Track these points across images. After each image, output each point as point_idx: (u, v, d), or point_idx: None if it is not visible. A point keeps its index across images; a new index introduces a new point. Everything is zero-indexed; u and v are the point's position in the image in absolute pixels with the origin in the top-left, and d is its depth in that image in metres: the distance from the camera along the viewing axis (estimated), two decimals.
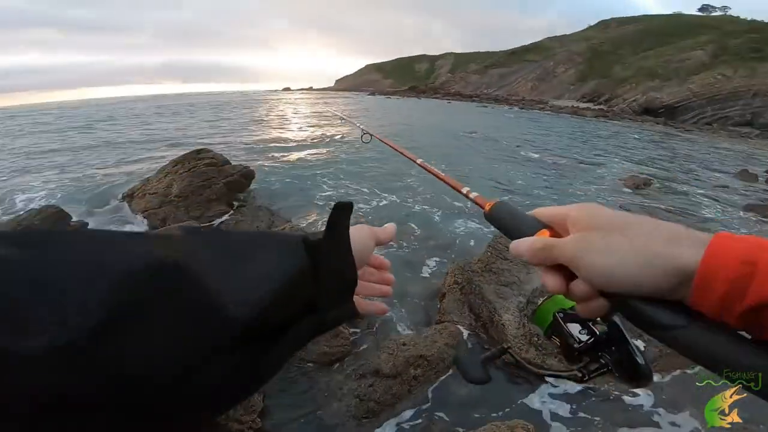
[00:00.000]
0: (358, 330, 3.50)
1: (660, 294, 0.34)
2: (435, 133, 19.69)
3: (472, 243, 5.54)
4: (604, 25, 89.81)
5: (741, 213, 8.04)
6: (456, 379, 2.96)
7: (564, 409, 2.76)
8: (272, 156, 11.67)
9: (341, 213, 0.44)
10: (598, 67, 68.13)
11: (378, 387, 2.70)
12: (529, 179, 10.27)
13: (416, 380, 2.82)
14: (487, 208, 0.53)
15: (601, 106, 54.60)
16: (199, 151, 7.44)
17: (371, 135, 1.56)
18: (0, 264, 0.25)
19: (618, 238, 0.36)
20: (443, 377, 2.95)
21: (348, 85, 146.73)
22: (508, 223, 0.49)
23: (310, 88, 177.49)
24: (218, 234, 0.50)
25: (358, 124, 1.82)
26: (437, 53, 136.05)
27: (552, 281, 0.41)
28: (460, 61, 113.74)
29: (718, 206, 8.56)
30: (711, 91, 48.40)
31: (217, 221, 6.06)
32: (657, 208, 7.92)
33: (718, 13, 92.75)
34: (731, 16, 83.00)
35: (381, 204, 7.48)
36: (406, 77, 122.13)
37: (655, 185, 10.00)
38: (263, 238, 0.42)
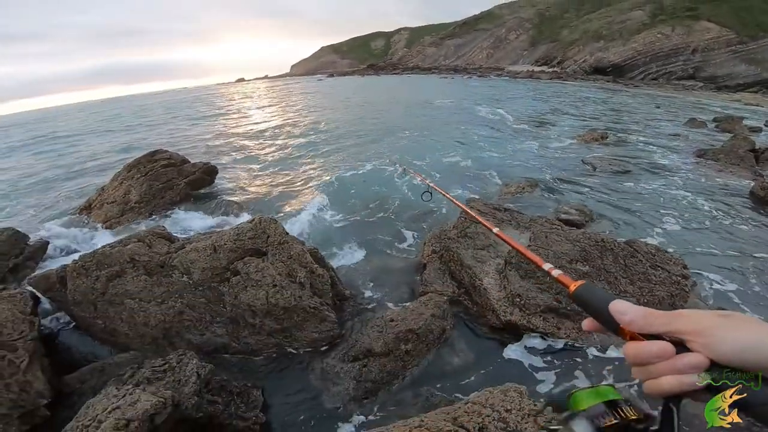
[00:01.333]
0: (345, 312, 3.49)
1: None
2: (409, 107, 19.47)
3: (444, 210, 5.60)
4: None
5: (693, 158, 8.51)
6: (448, 349, 3.00)
7: (548, 365, 2.85)
8: (233, 148, 11.27)
9: None
10: (547, 32, 69.27)
11: (372, 366, 2.71)
12: (503, 140, 10.62)
13: (409, 355, 2.83)
14: (572, 288, 0.57)
15: (555, 69, 56.00)
16: (153, 153, 7.06)
17: (431, 192, 1.45)
18: None
19: (759, 323, 0.44)
20: (435, 349, 2.97)
21: (305, 69, 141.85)
22: (599, 309, 0.53)
23: (265, 77, 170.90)
24: None
25: (413, 174, 1.65)
26: (392, 29, 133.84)
27: (660, 346, 0.46)
28: (415, 35, 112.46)
29: (671, 153, 9.02)
30: (653, 49, 50.88)
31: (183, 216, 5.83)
32: (616, 158, 8.28)
33: None
34: None
35: (349, 174, 7.53)
36: (364, 55, 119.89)
37: (612, 138, 10.43)
38: None
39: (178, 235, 4.40)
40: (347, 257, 4.51)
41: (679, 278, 3.18)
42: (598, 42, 57.35)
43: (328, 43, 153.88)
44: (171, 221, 5.75)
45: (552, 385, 2.69)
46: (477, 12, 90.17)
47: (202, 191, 6.90)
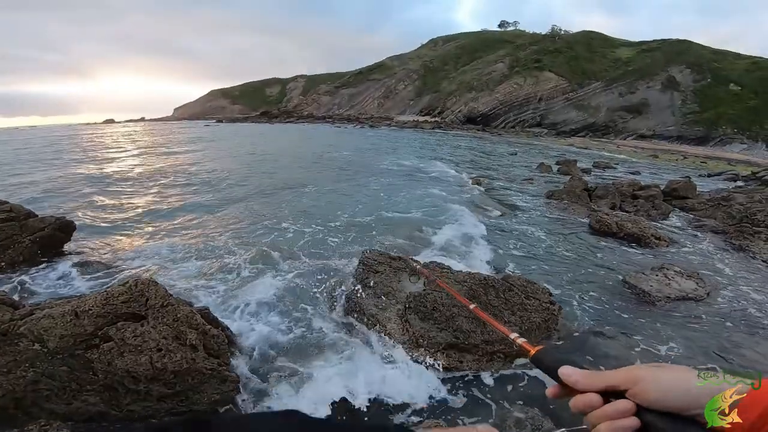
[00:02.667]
0: (248, 370, 3.19)
1: (686, 412, 0.47)
2: (306, 158, 19.11)
3: (345, 261, 5.59)
4: (433, 43, 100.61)
5: (545, 199, 10.34)
6: None
7: (458, 395, 3.04)
8: (97, 201, 9.53)
9: None
10: (430, 83, 77.09)
11: None
12: (400, 190, 11.19)
13: None
14: (533, 352, 0.64)
15: (436, 119, 62.72)
16: None
17: (423, 279, 1.58)
18: None
19: (676, 371, 0.51)
20: None
21: (190, 113, 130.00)
22: (553, 371, 0.58)
23: (142, 119, 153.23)
24: None
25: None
26: (289, 76, 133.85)
27: (588, 396, 0.53)
28: (311, 83, 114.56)
29: (527, 197, 10.78)
30: (511, 98, 59.20)
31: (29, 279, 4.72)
32: (490, 200, 9.55)
33: (512, 28, 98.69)
34: (520, 30, 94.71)
35: (244, 231, 6.98)
36: (258, 102, 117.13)
37: (485, 183, 12.08)
38: None
39: (24, 302, 3.62)
40: (247, 313, 4.17)
41: (548, 305, 3.74)
42: (470, 93, 64.05)
43: (219, 87, 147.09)
44: (12, 286, 4.66)
45: (461, 410, 2.89)
46: (371, 63, 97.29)
47: (56, 251, 5.73)
